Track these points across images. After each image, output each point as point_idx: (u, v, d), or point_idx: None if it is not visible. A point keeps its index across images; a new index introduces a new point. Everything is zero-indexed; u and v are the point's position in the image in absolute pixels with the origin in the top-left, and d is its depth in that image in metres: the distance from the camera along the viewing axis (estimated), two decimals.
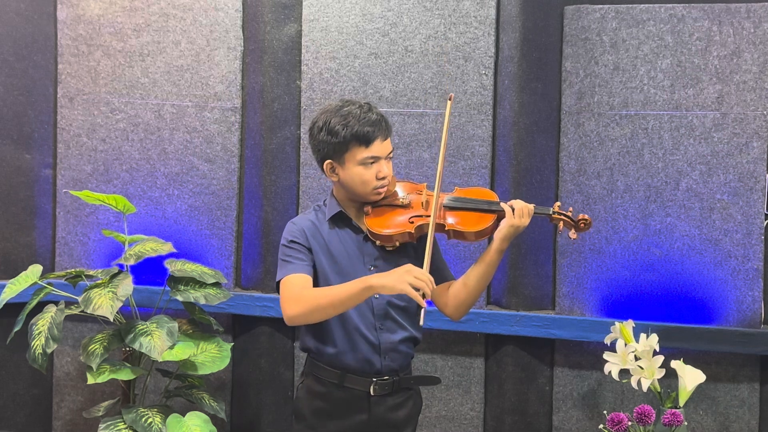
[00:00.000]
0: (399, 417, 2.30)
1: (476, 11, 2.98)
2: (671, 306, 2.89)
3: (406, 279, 2.02)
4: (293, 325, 2.26)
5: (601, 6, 2.91)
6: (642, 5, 2.88)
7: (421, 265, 2.11)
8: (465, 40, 2.99)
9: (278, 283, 2.24)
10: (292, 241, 2.25)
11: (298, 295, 2.16)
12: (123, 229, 2.98)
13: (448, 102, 2.27)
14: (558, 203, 2.31)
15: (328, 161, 2.22)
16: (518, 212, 2.20)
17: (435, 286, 2.08)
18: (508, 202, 2.23)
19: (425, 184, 2.34)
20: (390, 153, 2.23)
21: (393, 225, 2.22)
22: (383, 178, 2.21)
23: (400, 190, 2.30)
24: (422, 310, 2.04)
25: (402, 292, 2.02)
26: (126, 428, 2.69)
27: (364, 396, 2.25)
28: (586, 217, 2.29)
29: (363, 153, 2.17)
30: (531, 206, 2.23)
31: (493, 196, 2.29)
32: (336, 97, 3.03)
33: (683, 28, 2.85)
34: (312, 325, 2.23)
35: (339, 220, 2.27)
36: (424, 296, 2.02)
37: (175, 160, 3.18)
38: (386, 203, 2.26)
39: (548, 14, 2.95)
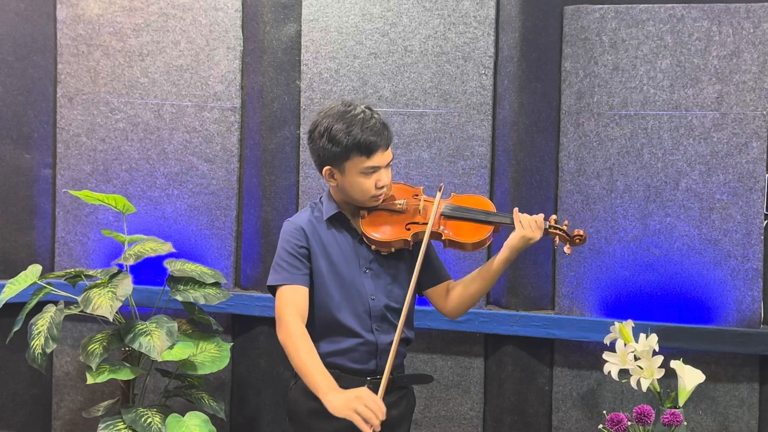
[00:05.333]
0: (393, 416, 2.28)
1: (476, 11, 2.97)
2: (671, 306, 2.89)
3: (353, 406, 1.99)
4: None
5: (600, 6, 2.91)
6: (642, 5, 2.88)
7: (413, 269, 2.14)
8: (464, 40, 2.99)
9: (271, 287, 2.23)
10: (292, 244, 2.23)
11: (288, 327, 2.14)
12: (122, 229, 2.98)
13: (438, 193, 2.26)
14: (554, 216, 2.28)
15: (327, 167, 2.19)
16: (527, 224, 2.19)
17: (384, 413, 2.00)
18: (515, 217, 2.21)
19: (422, 187, 2.33)
20: (390, 161, 2.21)
21: (389, 231, 2.21)
22: (382, 187, 2.20)
23: (397, 195, 2.28)
24: None
25: (347, 418, 1.99)
26: (125, 428, 2.69)
27: None
28: (581, 232, 2.27)
29: (364, 163, 2.15)
30: (540, 218, 2.21)
31: (491, 206, 2.28)
32: (336, 97, 3.03)
33: (683, 28, 2.85)
34: (307, 325, 2.22)
35: (336, 220, 2.26)
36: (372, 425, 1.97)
37: (175, 160, 3.18)
38: (383, 207, 2.24)
39: (548, 14, 2.95)
